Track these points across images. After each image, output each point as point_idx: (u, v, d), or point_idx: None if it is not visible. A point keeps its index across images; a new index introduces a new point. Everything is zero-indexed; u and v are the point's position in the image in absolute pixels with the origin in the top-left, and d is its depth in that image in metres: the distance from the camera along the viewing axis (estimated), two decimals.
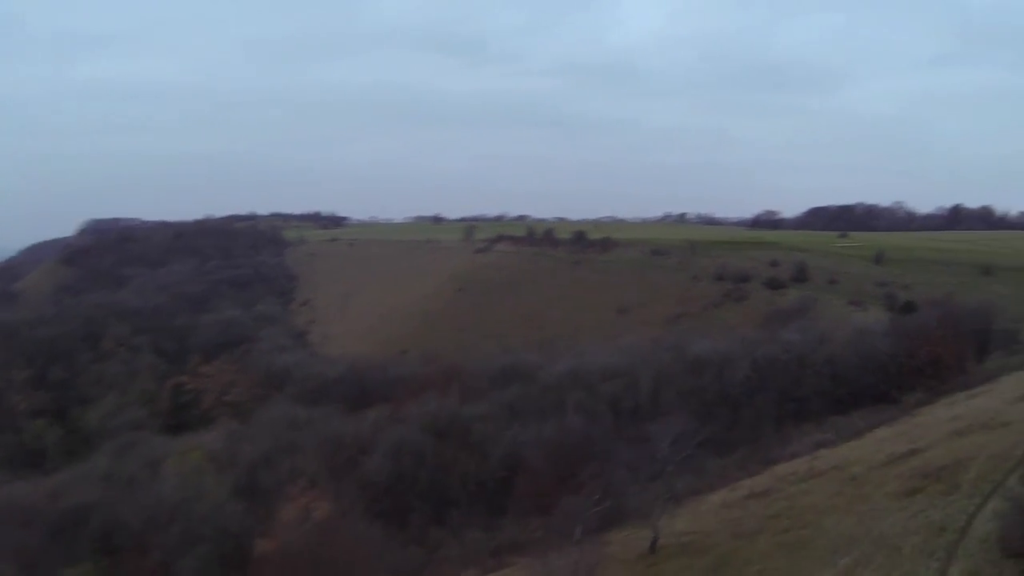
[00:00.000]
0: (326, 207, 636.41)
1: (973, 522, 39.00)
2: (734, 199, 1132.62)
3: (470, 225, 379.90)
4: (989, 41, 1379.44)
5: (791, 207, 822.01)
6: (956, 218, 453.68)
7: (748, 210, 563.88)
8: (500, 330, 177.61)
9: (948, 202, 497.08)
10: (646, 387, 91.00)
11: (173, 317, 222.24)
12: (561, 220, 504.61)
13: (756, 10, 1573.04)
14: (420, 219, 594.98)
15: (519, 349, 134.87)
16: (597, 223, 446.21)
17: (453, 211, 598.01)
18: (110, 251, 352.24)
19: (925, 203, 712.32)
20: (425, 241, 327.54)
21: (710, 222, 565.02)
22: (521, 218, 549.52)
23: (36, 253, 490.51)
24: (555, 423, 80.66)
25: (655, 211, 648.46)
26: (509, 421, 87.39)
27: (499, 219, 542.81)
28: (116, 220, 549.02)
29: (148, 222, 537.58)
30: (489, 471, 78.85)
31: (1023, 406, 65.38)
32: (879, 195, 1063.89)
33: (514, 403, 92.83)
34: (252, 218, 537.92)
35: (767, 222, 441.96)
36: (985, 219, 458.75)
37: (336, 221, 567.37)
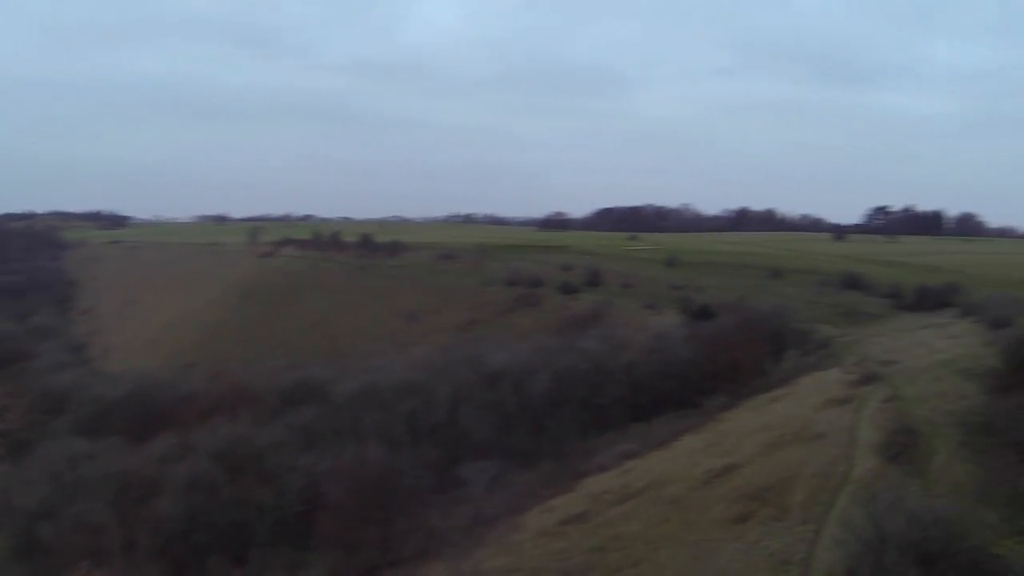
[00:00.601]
0: (108, 205, 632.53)
1: (815, 552, 37.52)
2: (523, 199, 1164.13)
3: (255, 226, 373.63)
4: (770, 56, 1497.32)
5: (580, 208, 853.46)
6: (742, 220, 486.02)
7: (537, 210, 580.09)
8: (288, 340, 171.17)
9: (733, 205, 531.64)
10: (444, 403, 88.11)
11: None
12: (347, 220, 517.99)
13: (551, 14, 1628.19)
14: (205, 219, 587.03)
15: (309, 361, 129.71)
16: (383, 223, 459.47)
17: (239, 210, 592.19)
18: None
19: (712, 205, 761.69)
20: (209, 244, 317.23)
21: (498, 222, 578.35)
22: (307, 218, 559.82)
23: None
24: (353, 450, 75.93)
25: (442, 211, 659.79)
26: (305, 447, 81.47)
27: (285, 219, 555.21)
28: None
29: None
30: (288, 505, 72.71)
31: (831, 414, 66.58)
32: (667, 197, 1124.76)
33: (308, 426, 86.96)
34: (29, 217, 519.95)
35: (556, 223, 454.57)
36: (768, 221, 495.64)
37: (118, 221, 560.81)
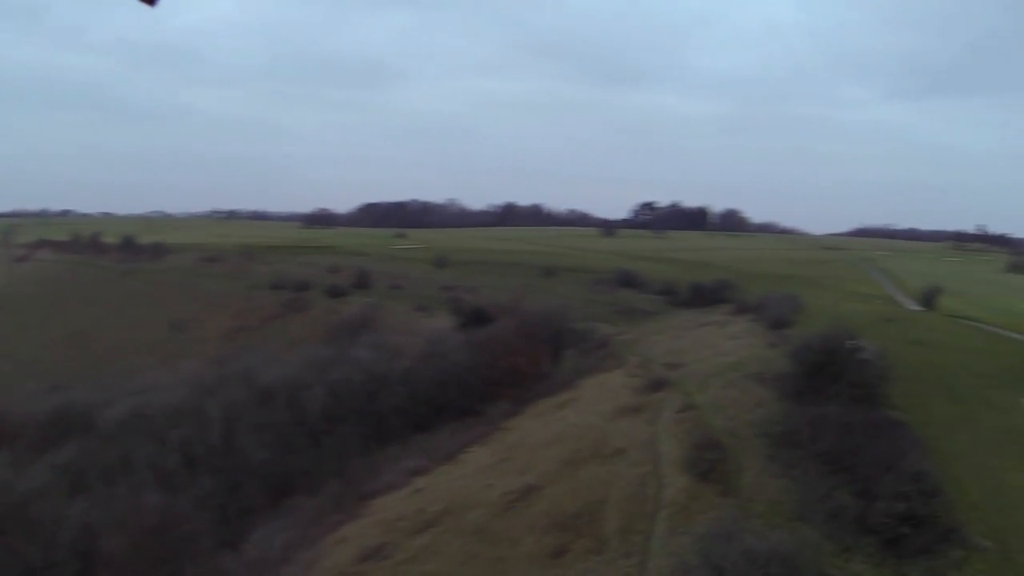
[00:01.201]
0: None
1: None
2: (287, 194, 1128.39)
3: (8, 224, 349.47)
4: (540, 53, 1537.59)
5: (345, 203, 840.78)
6: (508, 215, 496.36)
7: (301, 205, 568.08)
8: (44, 357, 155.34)
9: (500, 200, 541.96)
10: (217, 427, 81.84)
11: None
12: (108, 216, 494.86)
13: (323, 3, 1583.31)
14: None
15: (68, 380, 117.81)
16: (147, 220, 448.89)
17: None
18: None
19: (478, 200, 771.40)
20: None
21: (261, 218, 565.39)
22: (65, 213, 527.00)
23: None
24: (126, 493, 68.16)
25: (205, 206, 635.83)
26: (73, 491, 72.30)
27: (42, 214, 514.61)
28: None
29: None
30: (61, 563, 63.83)
31: (625, 424, 66.77)
32: (433, 192, 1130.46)
33: (75, 464, 77.53)
34: None
35: (321, 219, 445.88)
36: (535, 216, 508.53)
37: None
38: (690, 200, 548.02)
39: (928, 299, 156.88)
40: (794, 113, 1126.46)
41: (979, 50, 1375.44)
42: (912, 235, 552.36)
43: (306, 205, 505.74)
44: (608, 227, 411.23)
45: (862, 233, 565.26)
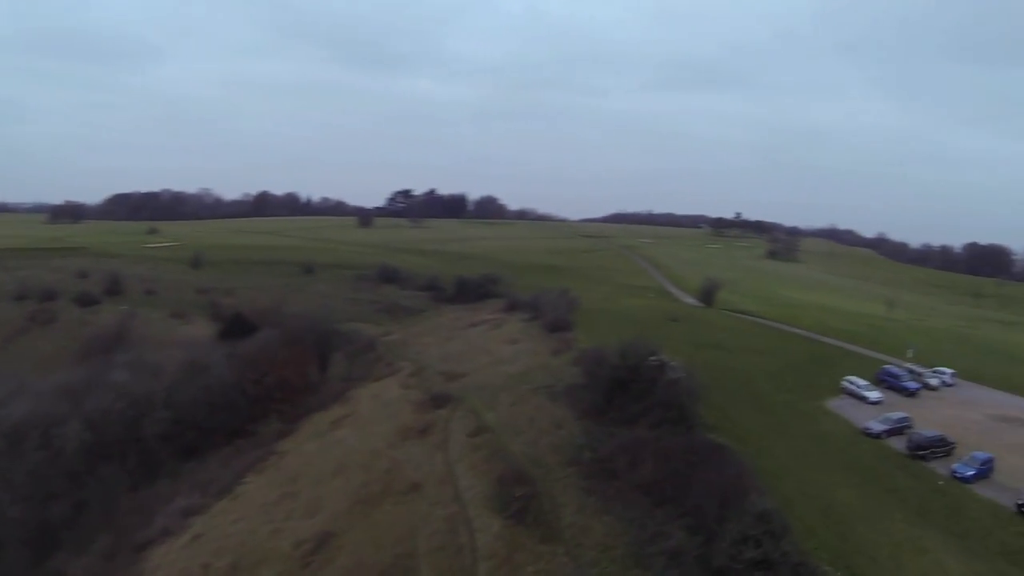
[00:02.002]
0: None
1: None
2: (33, 182, 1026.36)
3: None
4: (300, 36, 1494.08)
5: (95, 192, 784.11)
6: (263, 204, 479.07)
7: (47, 195, 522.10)
8: None
9: (254, 188, 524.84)
10: None
11: None
12: None
13: None
14: None
15: None
16: None
17: None
18: None
19: (232, 189, 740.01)
20: None
21: (3, 209, 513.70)
22: None
23: None
24: None
25: None
26: None
27: None
28: None
29: None
30: None
31: (413, 450, 63.10)
32: (186, 181, 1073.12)
33: None
34: None
35: (69, 211, 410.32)
36: (290, 205, 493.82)
37: None
38: (447, 187, 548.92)
39: (707, 294, 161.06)
40: (553, 101, 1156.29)
41: (737, 49, 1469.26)
42: (669, 220, 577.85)
43: (53, 195, 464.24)
44: (365, 216, 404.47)
45: (619, 219, 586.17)
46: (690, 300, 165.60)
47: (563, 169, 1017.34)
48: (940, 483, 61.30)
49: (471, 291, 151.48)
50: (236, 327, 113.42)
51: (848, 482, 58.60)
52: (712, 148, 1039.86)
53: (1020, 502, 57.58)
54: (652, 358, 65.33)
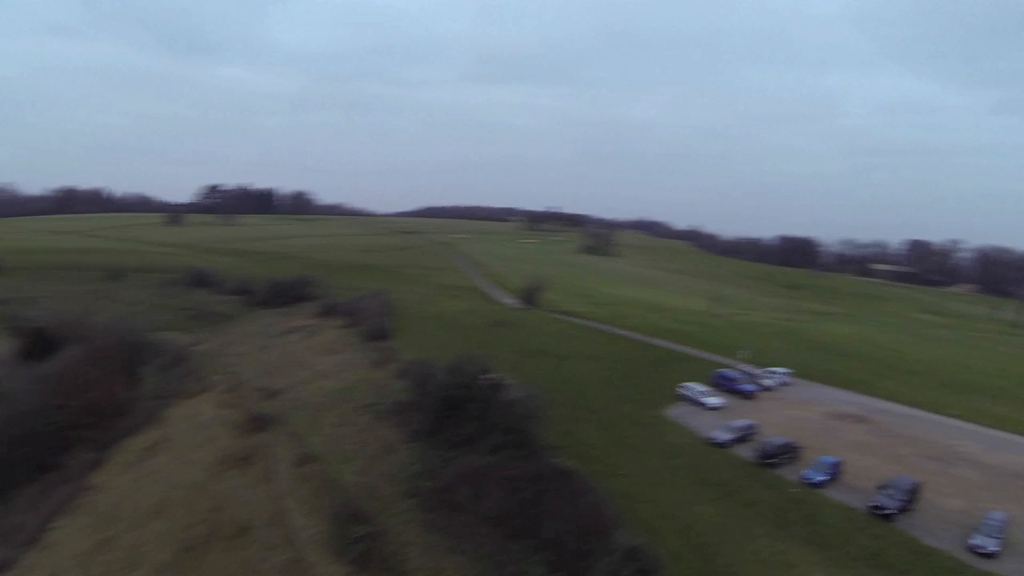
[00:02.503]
0: None
1: None
2: None
3: None
4: (117, 17, 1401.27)
5: None
6: (68, 201, 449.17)
7: None
8: None
9: (59, 183, 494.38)
10: None
11: None
12: None
13: None
14: None
15: None
16: None
17: None
18: None
19: (35, 184, 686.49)
20: None
21: None
22: None
23: None
24: None
25: None
26: None
27: None
28: None
29: None
30: None
31: (235, 483, 57.18)
32: None
33: None
34: None
35: None
36: (97, 201, 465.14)
37: None
38: (258, 181, 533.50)
39: (530, 295, 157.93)
40: (371, 92, 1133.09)
41: (558, 44, 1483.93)
42: (483, 213, 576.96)
43: None
44: (174, 212, 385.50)
45: (432, 212, 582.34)
46: (512, 301, 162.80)
47: (378, 162, 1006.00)
48: (793, 491, 61.00)
49: (285, 294, 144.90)
50: (38, 344, 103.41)
51: (704, 498, 57.36)
52: (529, 141, 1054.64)
53: (871, 504, 58.21)
54: (485, 375, 61.97)
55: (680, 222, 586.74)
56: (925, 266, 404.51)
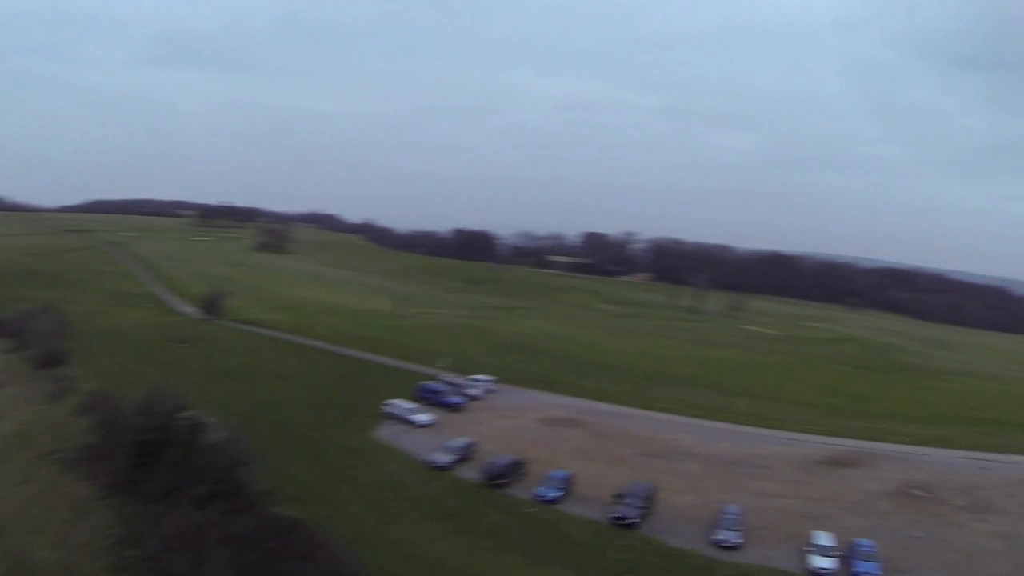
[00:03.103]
0: None
1: None
2: None
3: None
4: None
5: None
6: None
7: None
8: None
9: None
10: None
11: None
12: None
13: None
14: None
15: None
16: None
17: None
18: None
19: None
20: None
21: None
22: None
23: None
24: None
25: None
26: None
27: None
28: None
29: None
30: None
31: None
32: None
33: None
34: None
35: None
36: None
37: None
38: None
39: (211, 304, 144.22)
40: (28, 69, 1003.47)
41: (237, 29, 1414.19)
42: (152, 208, 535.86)
43: None
44: None
45: (99, 207, 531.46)
46: (192, 310, 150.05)
47: (41, 149, 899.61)
48: (530, 511, 58.80)
49: None
50: None
51: (442, 532, 53.73)
52: (202, 129, 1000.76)
53: (613, 515, 57.47)
54: (182, 414, 54.26)
55: (354, 215, 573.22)
56: (602, 257, 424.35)
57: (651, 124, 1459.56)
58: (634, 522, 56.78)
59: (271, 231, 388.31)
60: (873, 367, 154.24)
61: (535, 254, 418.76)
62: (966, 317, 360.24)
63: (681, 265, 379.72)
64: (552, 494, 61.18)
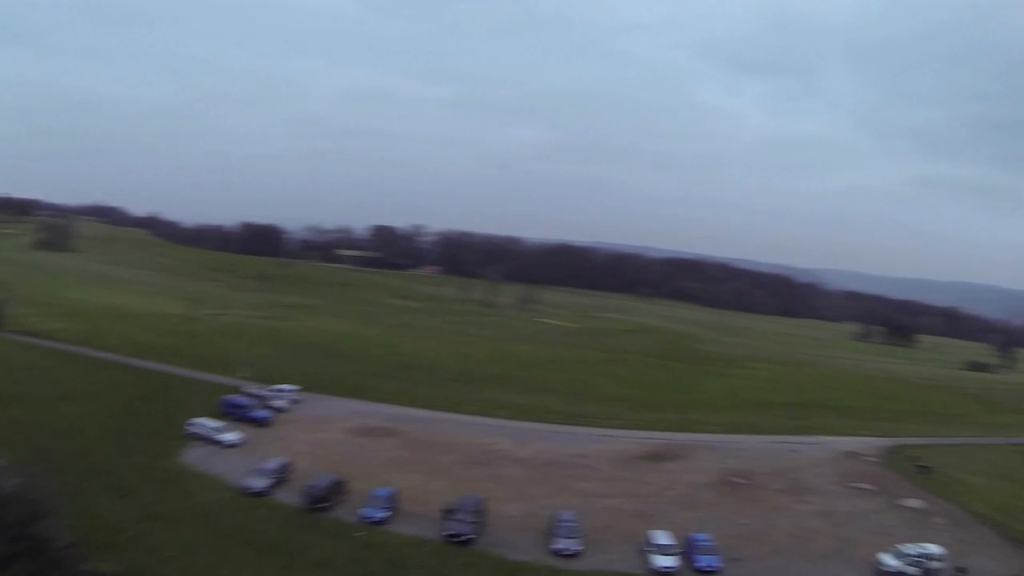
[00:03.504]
0: None
1: None
2: None
3: None
4: None
5: None
6: None
7: None
8: None
9: None
10: None
11: None
12: None
13: None
14: None
15: None
16: None
17: None
18: None
19: None
20: None
21: None
22: None
23: None
24: None
25: None
26: None
27: None
28: None
29: None
30: None
31: None
32: None
33: None
34: None
35: None
36: None
37: None
38: None
39: None
40: None
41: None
42: None
43: None
44: None
45: None
46: None
47: None
48: (360, 534, 55.53)
49: None
50: None
51: (271, 569, 49.14)
52: None
53: (446, 532, 55.50)
54: None
55: (138, 208, 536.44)
56: (391, 250, 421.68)
57: (442, 115, 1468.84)
58: (470, 538, 55.34)
59: (52, 226, 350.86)
60: (672, 357, 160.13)
61: (324, 248, 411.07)
62: (752, 303, 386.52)
63: (471, 258, 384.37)
64: (379, 515, 58.51)
